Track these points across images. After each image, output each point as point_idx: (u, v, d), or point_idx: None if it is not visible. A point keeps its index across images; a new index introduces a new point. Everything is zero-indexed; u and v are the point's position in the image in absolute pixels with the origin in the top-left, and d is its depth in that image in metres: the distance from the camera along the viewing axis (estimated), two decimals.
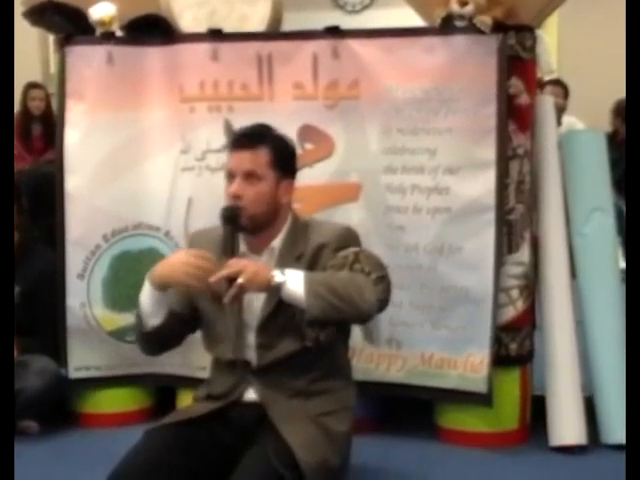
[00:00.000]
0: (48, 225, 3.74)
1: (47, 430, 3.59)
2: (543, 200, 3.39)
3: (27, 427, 3.56)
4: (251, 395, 2.59)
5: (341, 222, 2.87)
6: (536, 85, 3.49)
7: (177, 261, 2.49)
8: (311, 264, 2.54)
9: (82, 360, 3.63)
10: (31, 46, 7.55)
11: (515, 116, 3.27)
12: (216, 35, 3.45)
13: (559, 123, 4.84)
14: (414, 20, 3.55)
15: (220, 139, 3.46)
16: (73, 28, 3.58)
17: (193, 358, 3.48)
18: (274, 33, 3.52)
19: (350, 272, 2.50)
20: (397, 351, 3.39)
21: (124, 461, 2.46)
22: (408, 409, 3.55)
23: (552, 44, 7.27)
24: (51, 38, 5.57)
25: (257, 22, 3.50)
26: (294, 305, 2.42)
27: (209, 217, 2.66)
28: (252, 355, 2.59)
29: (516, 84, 3.26)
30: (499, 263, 3.26)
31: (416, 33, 3.35)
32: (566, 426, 3.29)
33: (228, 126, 3.45)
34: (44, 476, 3.20)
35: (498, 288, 3.26)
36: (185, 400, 3.35)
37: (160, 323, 2.56)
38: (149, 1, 3.55)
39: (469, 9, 3.18)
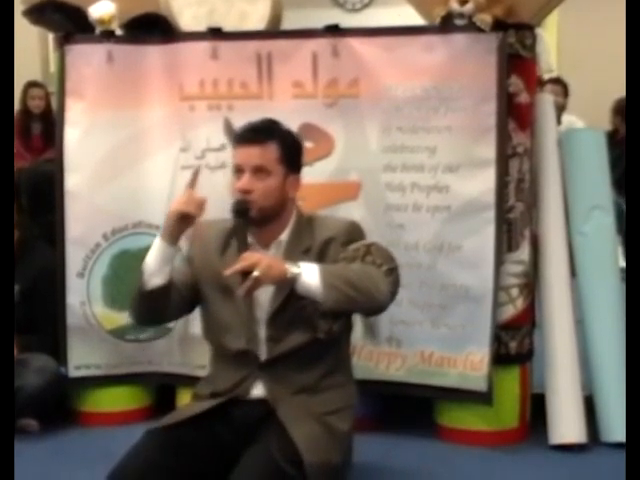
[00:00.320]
0: (47, 223, 3.74)
1: (47, 428, 3.58)
2: (543, 198, 3.39)
3: (27, 425, 3.56)
4: (257, 391, 2.60)
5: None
6: (536, 83, 3.49)
7: (176, 200, 2.63)
8: (319, 257, 2.56)
9: (82, 359, 3.63)
10: (31, 45, 7.54)
11: (515, 114, 3.27)
12: (216, 34, 3.45)
13: (559, 122, 4.84)
14: (414, 18, 3.55)
15: (220, 138, 3.46)
16: (73, 27, 3.58)
17: (193, 357, 3.49)
18: (274, 32, 3.52)
19: (362, 264, 2.53)
20: (397, 349, 3.39)
21: (123, 461, 2.47)
22: (408, 407, 3.55)
23: (552, 43, 7.27)
24: (51, 37, 5.56)
25: (257, 20, 3.50)
26: (309, 297, 2.43)
27: (209, 215, 2.66)
28: (261, 348, 2.60)
29: (516, 82, 3.26)
30: (499, 261, 3.26)
31: (416, 31, 3.35)
32: (566, 424, 3.29)
33: (228, 124, 3.45)
34: (44, 474, 3.20)
35: (498, 286, 3.26)
36: (185, 399, 3.35)
37: (161, 283, 2.56)
38: None
39: (469, 7, 3.18)
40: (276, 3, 3.53)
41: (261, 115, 2.74)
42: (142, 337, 3.61)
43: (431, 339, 3.35)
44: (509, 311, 3.34)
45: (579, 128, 5.66)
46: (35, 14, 3.64)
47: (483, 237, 3.25)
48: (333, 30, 3.38)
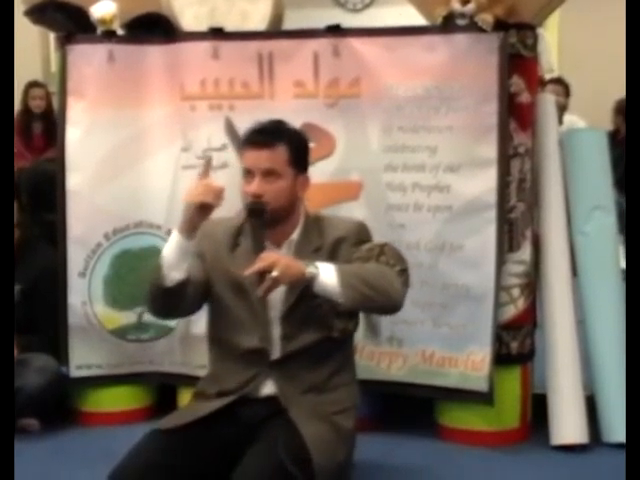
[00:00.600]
0: (48, 223, 3.75)
1: (47, 428, 3.59)
2: (544, 198, 3.39)
3: (27, 425, 3.56)
4: (267, 389, 2.60)
5: None
6: (537, 83, 3.49)
7: (191, 190, 2.54)
8: (330, 257, 2.57)
9: (83, 358, 3.63)
10: (32, 44, 7.55)
11: (516, 114, 3.27)
12: (217, 33, 3.45)
13: (560, 122, 4.84)
14: (415, 18, 3.55)
15: (221, 137, 3.46)
16: (74, 26, 3.58)
17: (194, 357, 3.49)
18: (275, 32, 3.52)
19: (377, 264, 2.55)
20: (398, 349, 3.39)
21: (124, 461, 2.47)
22: (409, 407, 3.54)
23: (553, 43, 7.28)
24: (52, 36, 5.56)
25: (258, 20, 3.50)
26: (325, 297, 2.44)
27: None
28: (274, 346, 2.61)
29: (517, 82, 3.26)
30: (500, 261, 3.25)
31: (417, 31, 3.34)
32: (567, 425, 3.29)
33: (229, 124, 3.45)
34: (44, 474, 3.20)
35: (499, 286, 3.26)
36: (186, 399, 3.34)
37: (182, 278, 2.53)
38: None
39: (470, 7, 3.18)
40: (277, 3, 3.53)
41: (262, 115, 2.74)
42: (143, 337, 3.62)
43: (432, 339, 3.35)
44: (510, 311, 3.34)
45: (580, 128, 5.66)
46: (36, 14, 3.64)
47: (484, 237, 3.25)
48: (334, 30, 3.38)
